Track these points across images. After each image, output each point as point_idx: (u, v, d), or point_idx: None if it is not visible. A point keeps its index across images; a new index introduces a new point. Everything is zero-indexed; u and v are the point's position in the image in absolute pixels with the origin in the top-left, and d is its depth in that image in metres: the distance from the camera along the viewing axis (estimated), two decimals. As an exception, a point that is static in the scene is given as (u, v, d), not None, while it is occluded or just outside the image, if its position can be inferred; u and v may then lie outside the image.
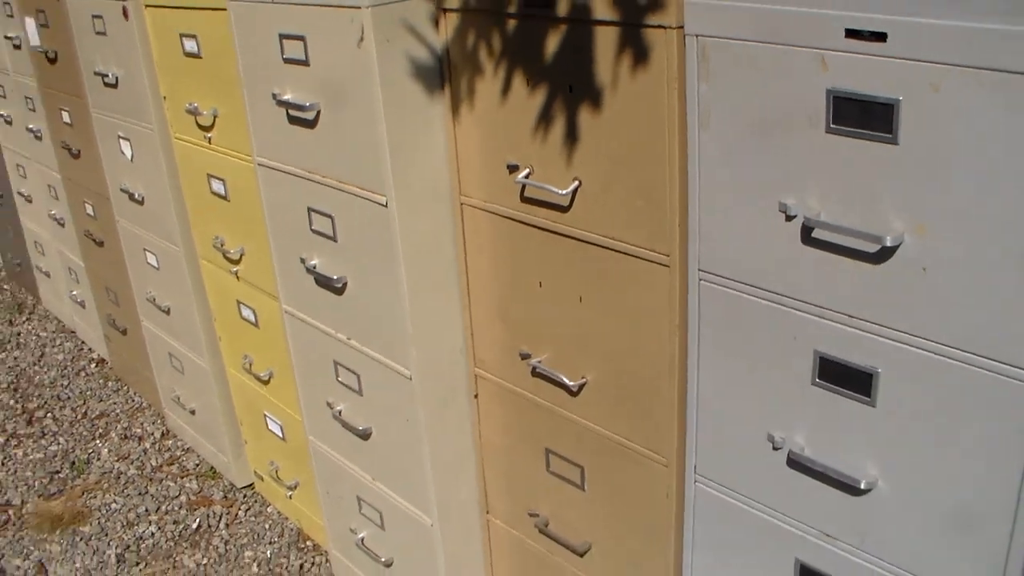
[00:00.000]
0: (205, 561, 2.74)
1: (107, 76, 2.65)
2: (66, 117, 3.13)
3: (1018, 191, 1.04)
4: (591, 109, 1.48)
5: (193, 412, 3.04)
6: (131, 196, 2.80)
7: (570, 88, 1.51)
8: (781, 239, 1.29)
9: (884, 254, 1.19)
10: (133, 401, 3.59)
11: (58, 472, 3.19)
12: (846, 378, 1.29)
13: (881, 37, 1.09)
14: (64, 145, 3.22)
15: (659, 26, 1.34)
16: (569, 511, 1.88)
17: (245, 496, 2.99)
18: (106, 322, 3.54)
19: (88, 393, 3.67)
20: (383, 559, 2.29)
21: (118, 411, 3.54)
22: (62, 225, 3.62)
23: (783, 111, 1.22)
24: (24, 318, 4.37)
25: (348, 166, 1.83)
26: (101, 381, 3.75)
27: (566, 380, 1.72)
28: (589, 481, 1.80)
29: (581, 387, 1.72)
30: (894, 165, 1.14)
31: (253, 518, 2.90)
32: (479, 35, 1.64)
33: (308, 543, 2.77)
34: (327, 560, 2.66)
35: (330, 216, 1.93)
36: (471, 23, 1.64)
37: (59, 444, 3.35)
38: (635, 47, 1.40)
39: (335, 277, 1.98)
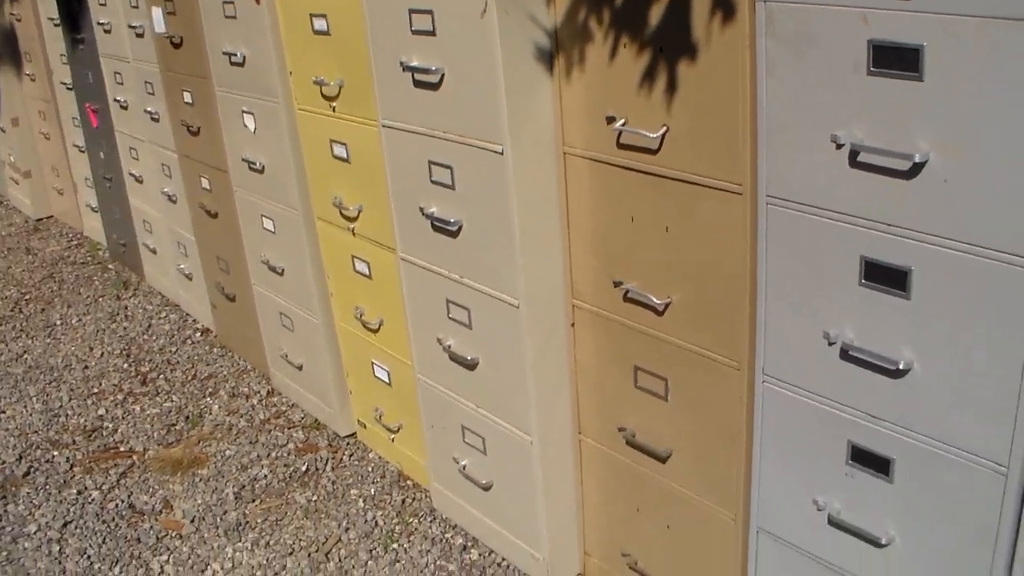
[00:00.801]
0: (315, 498, 3.19)
1: (235, 55, 3.14)
2: (187, 97, 3.63)
3: (1017, 117, 1.45)
4: (679, 65, 1.92)
5: (300, 368, 3.51)
6: (251, 166, 3.28)
7: (660, 49, 1.95)
8: (832, 164, 1.72)
9: (914, 170, 1.61)
10: (239, 364, 4.08)
11: (174, 425, 3.68)
12: (886, 277, 1.71)
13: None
14: (183, 123, 3.72)
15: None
16: (654, 422, 2.30)
17: (348, 444, 3.45)
18: (216, 290, 4.04)
19: (196, 358, 4.17)
20: (483, 482, 2.72)
21: (225, 373, 4.03)
22: (174, 202, 4.13)
23: (833, 60, 1.65)
24: (130, 294, 4.91)
25: (468, 122, 2.28)
26: (207, 348, 4.25)
27: (655, 300, 2.15)
28: (672, 392, 2.22)
29: (667, 306, 2.14)
30: (921, 98, 1.56)
31: (357, 462, 3.36)
32: (586, 7, 2.08)
33: (408, 482, 3.21)
34: (427, 495, 3.10)
35: (449, 167, 2.39)
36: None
37: (172, 401, 3.84)
38: (722, 12, 1.83)
39: (452, 220, 2.43)
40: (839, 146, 1.69)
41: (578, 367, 2.46)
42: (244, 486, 3.27)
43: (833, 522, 1.98)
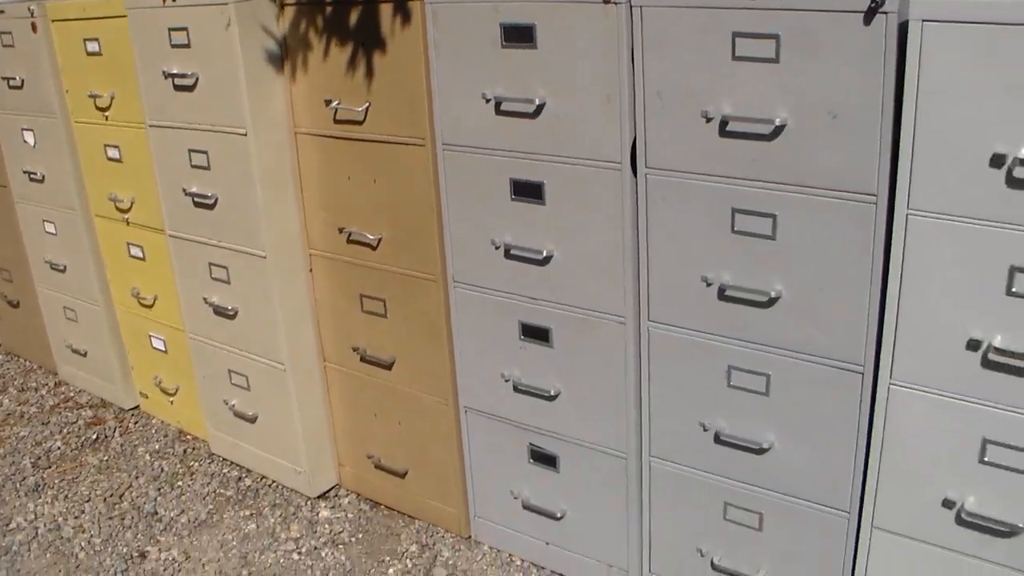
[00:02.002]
0: (106, 458, 3.63)
1: (13, 80, 3.59)
2: (-35, 125, 4.02)
3: (591, 70, 2.15)
4: (374, 55, 2.55)
5: (84, 354, 3.94)
6: (31, 177, 3.71)
7: (360, 44, 2.58)
8: (484, 114, 2.38)
9: (538, 111, 2.29)
10: (26, 365, 4.43)
11: (-33, 417, 4.03)
12: (528, 191, 2.39)
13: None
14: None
15: (417, 2, 2.42)
16: (379, 337, 2.90)
17: (133, 414, 3.90)
18: (0, 300, 4.40)
19: (-19, 366, 4.50)
20: (250, 414, 3.26)
21: (12, 373, 4.38)
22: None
23: (479, 40, 2.31)
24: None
25: (218, 114, 2.84)
26: (-8, 357, 4.59)
27: (370, 237, 2.76)
28: (390, 310, 2.83)
29: (379, 242, 2.76)
30: (537, 60, 2.25)
31: (142, 428, 3.81)
32: (305, 18, 2.69)
33: (189, 436, 3.70)
34: (206, 444, 3.60)
35: (205, 152, 2.94)
36: (300, 11, 2.69)
37: (-37, 400, 4.18)
38: (401, 14, 2.48)
39: (209, 195, 2.98)
40: (487, 100, 2.36)
41: (317, 304, 3.03)
42: (40, 457, 3.65)
43: (516, 388, 2.62)
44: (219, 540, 3.10)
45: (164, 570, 2.97)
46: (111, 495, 3.36)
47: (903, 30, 1.78)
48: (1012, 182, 1.75)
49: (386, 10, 2.46)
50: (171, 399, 3.65)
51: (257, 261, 2.92)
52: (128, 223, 3.41)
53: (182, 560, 3.01)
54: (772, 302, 2.11)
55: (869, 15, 1.78)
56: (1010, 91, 1.68)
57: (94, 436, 3.75)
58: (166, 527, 3.18)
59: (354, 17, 2.55)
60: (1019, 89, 1.67)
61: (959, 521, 2.04)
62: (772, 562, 2.38)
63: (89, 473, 3.51)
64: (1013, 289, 1.82)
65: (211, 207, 2.98)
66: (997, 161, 1.74)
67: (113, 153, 3.32)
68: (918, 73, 1.77)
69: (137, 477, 3.46)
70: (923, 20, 1.74)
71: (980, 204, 1.79)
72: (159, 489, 3.37)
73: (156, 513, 3.25)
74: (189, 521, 3.20)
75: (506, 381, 2.62)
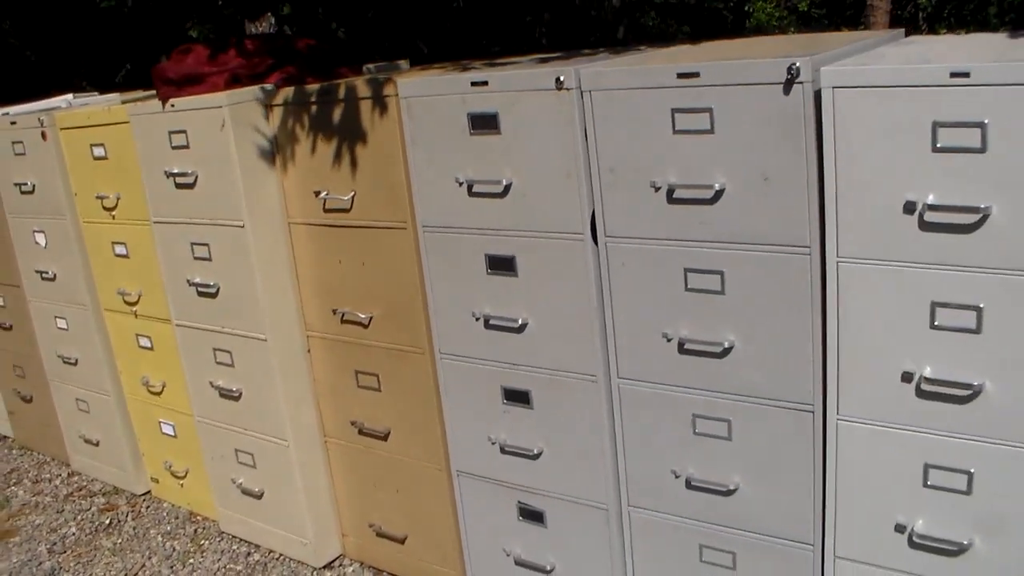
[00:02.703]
0: (119, 541, 3.80)
1: (24, 185, 3.84)
2: (-20, 233, 4.27)
3: (551, 153, 2.38)
4: (356, 147, 2.79)
5: (97, 443, 4.13)
6: (43, 276, 3.94)
7: (345, 138, 2.82)
8: (457, 197, 2.60)
9: (505, 191, 2.52)
10: (39, 458, 4.61)
11: (-15, 511, 4.20)
12: (501, 265, 2.60)
13: (484, 83, 2.45)
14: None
15: (390, 95, 2.66)
16: (374, 410, 3.09)
17: (145, 499, 4.07)
18: (12, 396, 4.60)
19: (-3, 462, 4.69)
20: (257, 491, 3.44)
21: (27, 466, 4.56)
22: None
23: (450, 128, 2.55)
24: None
25: (217, 208, 3.07)
26: (6, 450, 4.76)
27: (361, 316, 2.97)
28: (383, 384, 3.02)
29: (371, 320, 2.97)
30: (502, 145, 2.49)
31: (154, 511, 3.98)
32: (292, 117, 2.94)
33: (199, 517, 3.87)
34: (216, 523, 3.77)
35: (206, 244, 3.16)
36: (288, 111, 2.94)
37: (-20, 495, 4.35)
38: (379, 109, 2.72)
39: (212, 284, 3.20)
40: (460, 183, 2.58)
41: (316, 382, 3.23)
42: (55, 543, 3.82)
43: (503, 450, 2.80)
44: (230, 612, 3.25)
45: (179, 643, 3.12)
46: (124, 574, 3.51)
47: (818, 98, 2.00)
48: (924, 226, 1.96)
49: (365, 106, 2.70)
50: (181, 482, 3.82)
51: (258, 344, 3.13)
52: (136, 315, 3.63)
53: (196, 633, 3.16)
54: (726, 352, 2.31)
55: (787, 86, 2.01)
56: (912, 144, 1.91)
57: (107, 521, 3.91)
58: (180, 603, 3.33)
59: (336, 114, 2.79)
60: (919, 142, 1.89)
61: (911, 544, 2.21)
62: (748, 599, 2.53)
63: (103, 556, 3.67)
64: (935, 323, 2.01)
65: (214, 296, 3.19)
66: (909, 208, 1.96)
67: (120, 250, 3.55)
68: (834, 134, 2.00)
69: (150, 557, 3.62)
70: (833, 87, 1.97)
71: (899, 248, 2.00)
72: (172, 567, 3.53)
73: (170, 590, 3.41)
74: (201, 596, 3.36)
75: (493, 444, 2.80)
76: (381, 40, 6.69)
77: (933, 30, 8.16)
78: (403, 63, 3.35)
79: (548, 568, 2.84)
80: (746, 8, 8.95)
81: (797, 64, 2.00)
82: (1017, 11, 7.66)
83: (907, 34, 2.63)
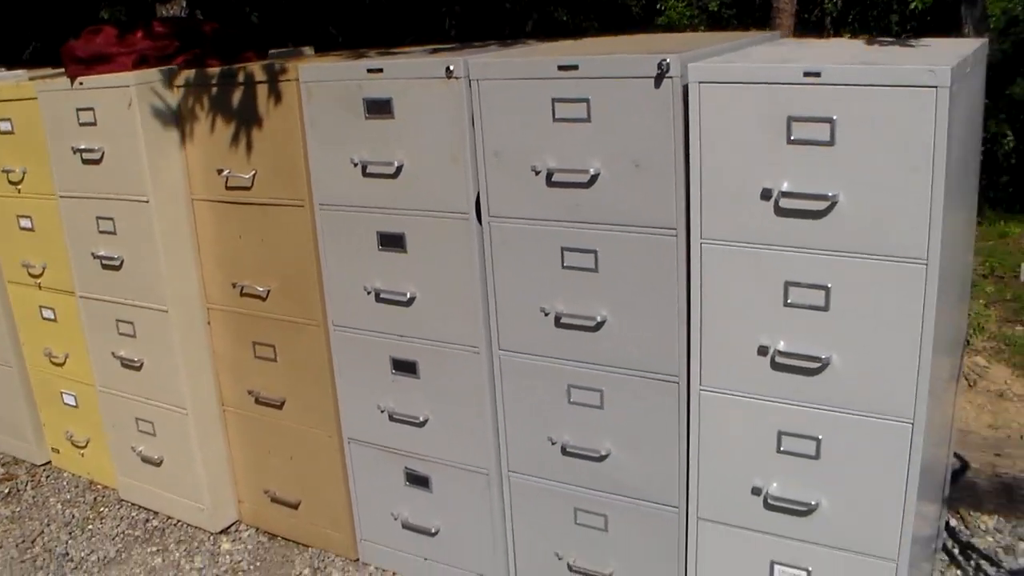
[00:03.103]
0: (17, 509, 3.72)
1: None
2: None
3: (442, 137, 2.41)
4: (259, 129, 2.79)
5: (-1, 415, 4.05)
6: (-52, 251, 3.85)
7: (247, 119, 2.82)
8: (352, 176, 2.62)
9: (397, 172, 2.55)
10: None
11: None
12: (391, 242, 2.63)
13: (379, 71, 2.47)
14: None
15: (290, 80, 2.66)
16: (269, 380, 3.08)
17: (45, 470, 4.00)
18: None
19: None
20: (156, 458, 3.41)
21: (-70, 437, 4.44)
22: None
23: (346, 112, 2.57)
24: None
25: (122, 183, 3.04)
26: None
27: (259, 290, 2.97)
28: (279, 354, 3.03)
29: (268, 293, 2.97)
30: (395, 129, 2.51)
31: (54, 481, 3.90)
32: (196, 98, 2.92)
33: (99, 486, 3.81)
34: (116, 492, 3.72)
35: (111, 218, 3.13)
36: (192, 92, 2.93)
37: None
38: (276, 92, 2.73)
39: (116, 257, 3.16)
40: (355, 164, 2.60)
41: (215, 353, 3.22)
42: (-45, 511, 3.74)
43: (391, 418, 2.83)
44: (127, 574, 3.23)
45: (75, 603, 3.09)
46: (23, 541, 3.46)
47: (687, 92, 2.07)
48: (779, 211, 2.04)
49: (264, 90, 2.71)
50: (82, 452, 3.77)
51: (160, 316, 3.11)
52: (40, 287, 3.56)
53: (92, 594, 3.13)
54: (599, 326, 2.37)
55: (658, 80, 2.08)
56: (769, 136, 1.98)
57: (6, 490, 3.83)
58: (77, 566, 3.30)
59: (237, 96, 2.78)
60: (775, 134, 1.98)
61: (766, 506, 2.30)
62: (619, 559, 2.60)
63: (1, 523, 3.60)
64: (789, 301, 2.10)
65: (117, 268, 3.16)
66: (766, 195, 2.04)
67: (25, 223, 3.49)
68: (699, 126, 2.07)
69: (48, 524, 3.57)
70: (699, 83, 2.04)
71: (757, 231, 2.08)
72: (71, 533, 3.49)
73: (67, 555, 3.36)
74: (99, 559, 3.32)
75: (382, 412, 2.83)
76: (294, 26, 6.64)
77: (838, 33, 8.31)
78: (308, 49, 3.35)
79: (433, 531, 2.88)
80: (658, 7, 9.06)
81: (667, 60, 2.06)
82: (918, 19, 7.87)
83: (819, 36, 2.70)
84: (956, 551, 2.93)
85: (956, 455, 3.22)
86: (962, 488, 3.20)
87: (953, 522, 3.08)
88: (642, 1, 9.32)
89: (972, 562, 2.89)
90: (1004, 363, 3.98)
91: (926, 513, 2.39)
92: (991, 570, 2.87)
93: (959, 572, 2.87)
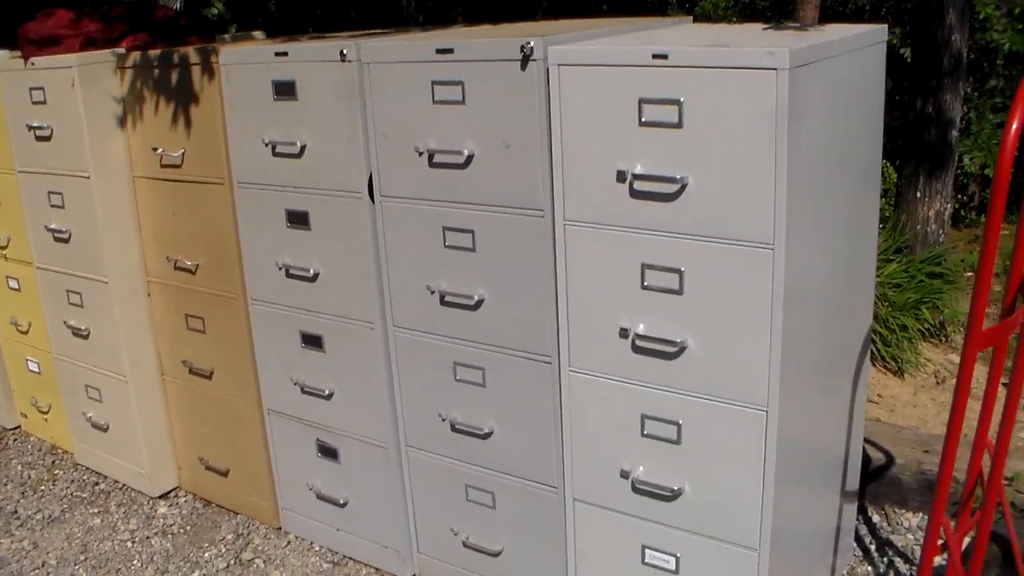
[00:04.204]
0: (-20, 471, 3.72)
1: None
2: None
3: (338, 119, 2.35)
4: (189, 109, 2.74)
5: (-26, 380, 4.03)
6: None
7: (179, 100, 2.77)
8: (264, 157, 2.57)
9: (301, 152, 2.49)
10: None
11: None
12: (296, 219, 2.57)
13: (285, 54, 2.42)
14: None
15: (215, 63, 2.61)
16: (200, 351, 3.04)
17: (14, 433, 3.98)
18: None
19: None
20: (103, 424, 3.37)
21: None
22: None
23: (258, 93, 2.51)
24: None
25: (68, 159, 3.01)
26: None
27: (188, 263, 2.92)
28: (208, 326, 2.97)
29: (197, 267, 2.92)
30: (297, 111, 2.45)
31: (20, 444, 3.89)
32: (139, 79, 2.88)
33: (60, 450, 3.79)
34: (72, 455, 3.69)
35: (60, 192, 3.10)
36: (135, 73, 2.89)
37: None
38: (207, 75, 2.68)
39: (64, 230, 3.13)
40: (266, 144, 2.55)
41: (155, 323, 3.18)
42: (-77, 468, 3.73)
43: (303, 390, 2.77)
44: (66, 533, 3.19)
45: (12, 556, 3.05)
46: (-20, 500, 3.44)
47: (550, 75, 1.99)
48: (633, 193, 1.96)
49: (196, 71, 2.66)
50: (45, 417, 3.74)
51: (102, 287, 3.08)
52: (6, 258, 3.55)
53: (30, 548, 3.10)
54: (479, 305, 2.29)
55: (524, 63, 2.00)
56: (621, 118, 1.90)
57: (-26, 453, 3.82)
58: (22, 523, 3.27)
59: (173, 78, 2.74)
60: (628, 116, 1.89)
61: (634, 489, 2.21)
62: (507, 536, 2.52)
63: (-36, 483, 3.58)
64: (645, 283, 2.01)
65: (67, 241, 3.13)
66: (621, 177, 1.95)
67: (-11, 198, 3.48)
68: (560, 108, 1.99)
69: (6, 484, 3.54)
70: (559, 64, 1.96)
71: (614, 213, 2.00)
72: (23, 493, 3.46)
73: (15, 512, 3.34)
74: (44, 518, 3.29)
75: (295, 384, 2.77)
76: (312, 10, 6.53)
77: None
78: (259, 34, 3.31)
79: (342, 502, 2.81)
80: None
81: (531, 43, 1.99)
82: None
83: None
84: (873, 547, 2.79)
85: (883, 451, 3.09)
86: (887, 484, 3.06)
87: (876, 518, 2.94)
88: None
89: (886, 559, 2.76)
90: (983, 362, 3.81)
91: (805, 505, 2.28)
92: (904, 568, 2.73)
93: (870, 568, 2.73)
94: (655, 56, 1.85)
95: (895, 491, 3.02)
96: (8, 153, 3.26)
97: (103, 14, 2.99)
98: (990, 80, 7.32)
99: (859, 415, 2.51)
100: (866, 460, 2.94)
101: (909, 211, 4.53)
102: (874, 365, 3.99)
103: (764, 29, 2.23)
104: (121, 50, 2.93)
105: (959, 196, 7.38)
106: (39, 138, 3.06)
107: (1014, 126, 1.69)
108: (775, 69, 1.75)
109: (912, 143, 4.54)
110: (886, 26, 2.28)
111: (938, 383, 3.69)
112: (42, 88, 2.97)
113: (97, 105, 2.89)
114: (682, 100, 1.85)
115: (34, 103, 3.02)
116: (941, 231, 4.52)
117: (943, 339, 4.22)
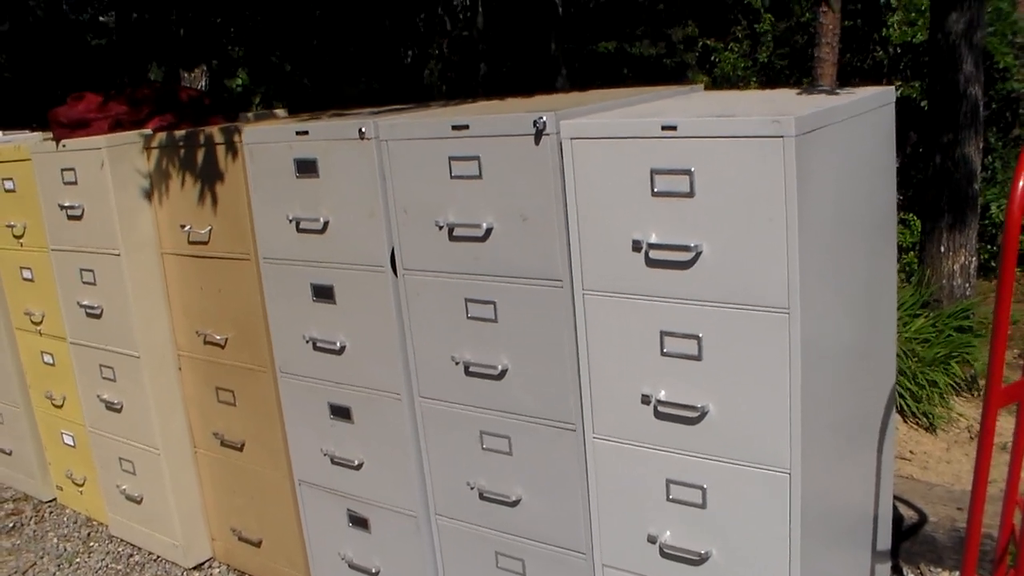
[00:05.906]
0: (18, 543, 3.78)
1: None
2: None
3: (360, 195, 2.43)
4: (216, 187, 2.84)
5: (10, 453, 4.12)
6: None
7: (203, 180, 2.87)
8: (287, 232, 2.65)
9: (324, 227, 2.56)
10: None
11: (-88, 511, 4.18)
12: (321, 294, 2.64)
13: (306, 133, 2.50)
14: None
15: (239, 142, 2.71)
16: (231, 423, 3.11)
17: (50, 506, 4.06)
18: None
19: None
20: (137, 496, 3.44)
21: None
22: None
23: (280, 171, 2.60)
24: None
25: (98, 237, 3.11)
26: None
27: (218, 338, 3.00)
28: (238, 399, 3.05)
29: (227, 341, 3.00)
30: (321, 187, 2.54)
31: (56, 517, 3.96)
32: (165, 158, 2.98)
33: (94, 522, 3.85)
34: (107, 527, 3.76)
35: (92, 270, 3.20)
36: (161, 153, 2.99)
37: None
38: (231, 154, 2.77)
39: (96, 306, 3.23)
40: (290, 220, 2.63)
41: (187, 397, 3.25)
42: (-37, 543, 3.81)
43: (333, 461, 2.82)
44: (102, 606, 3.24)
45: (50, 632, 3.11)
46: (16, 572, 3.50)
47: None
48: (649, 262, 2.01)
49: (220, 151, 2.76)
50: (80, 489, 3.82)
51: (133, 361, 3.16)
52: (41, 334, 3.65)
53: (67, 623, 3.15)
54: (502, 375, 2.34)
55: (537, 137, 2.07)
56: (635, 189, 1.96)
57: (11, 524, 3.89)
58: (59, 597, 3.32)
59: (199, 157, 2.84)
60: (641, 186, 1.95)
61: (662, 554, 2.23)
62: (539, 603, 2.54)
63: (1, 555, 3.65)
64: (665, 350, 2.05)
65: (99, 317, 3.23)
66: (636, 246, 2.01)
67: (27, 274, 3.58)
68: (574, 180, 2.05)
69: (42, 557, 3.61)
70: (571, 138, 2.02)
71: (630, 281, 2.05)
72: (59, 566, 3.52)
73: (52, 585, 3.40)
74: (80, 591, 3.35)
75: (324, 455, 2.82)
76: (333, 79, 6.68)
77: (890, 81, 8.00)
78: (281, 111, 3.41)
79: (374, 571, 2.85)
80: (712, 59, 8.99)
81: (543, 118, 2.05)
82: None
83: (859, 84, 2.58)
84: (907, 606, 2.79)
85: (916, 508, 3.09)
86: (921, 542, 3.06)
87: (911, 576, 2.93)
88: (697, 54, 9.22)
89: (921, 617, 2.75)
90: (1013, 414, 3.79)
91: (834, 565, 2.29)
92: (940, 626, 2.73)
93: (905, 626, 2.73)
94: (664, 128, 1.91)
95: (929, 549, 3.01)
96: (41, 232, 3.37)
97: (130, 96, 3.10)
98: (1014, 129, 7.33)
99: (888, 472, 2.52)
100: (898, 518, 2.94)
101: (934, 266, 4.53)
102: (905, 422, 3.98)
103: (798, 94, 2.28)
104: (148, 131, 3.03)
105: (988, 246, 7.35)
106: (71, 217, 3.17)
107: (1021, 183, 1.73)
108: (781, 137, 1.80)
109: (933, 197, 4.55)
110: (893, 87, 2.33)
111: (971, 438, 3.67)
112: (73, 169, 3.08)
113: (126, 185, 2.99)
114: (693, 170, 1.90)
115: (65, 183, 3.13)
116: (967, 284, 4.52)
117: (975, 393, 4.21)
